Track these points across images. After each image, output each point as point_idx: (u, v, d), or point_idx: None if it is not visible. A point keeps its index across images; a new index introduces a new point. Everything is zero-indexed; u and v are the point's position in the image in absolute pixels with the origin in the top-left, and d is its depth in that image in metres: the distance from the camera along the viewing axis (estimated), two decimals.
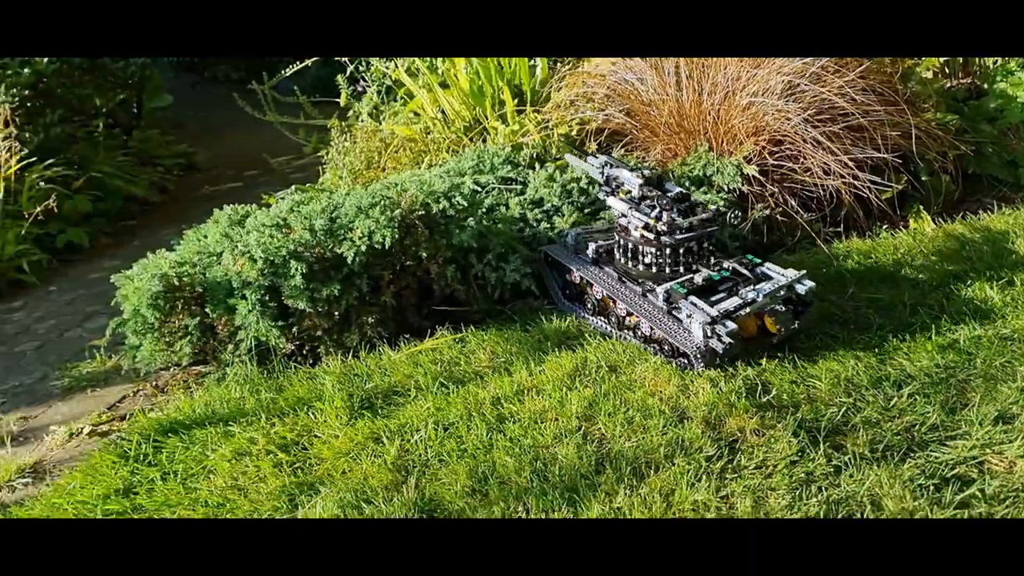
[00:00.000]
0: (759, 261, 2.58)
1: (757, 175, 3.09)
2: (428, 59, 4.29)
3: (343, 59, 5.09)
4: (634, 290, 2.55)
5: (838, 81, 3.12)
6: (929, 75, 3.83)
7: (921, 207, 3.30)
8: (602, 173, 2.76)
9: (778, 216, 3.14)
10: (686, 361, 2.41)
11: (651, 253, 2.53)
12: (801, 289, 2.45)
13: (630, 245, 2.58)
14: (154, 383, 2.99)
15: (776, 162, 3.14)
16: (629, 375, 2.40)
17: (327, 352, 2.79)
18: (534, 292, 2.86)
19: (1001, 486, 1.88)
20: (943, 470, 1.94)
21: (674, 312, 2.42)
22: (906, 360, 2.37)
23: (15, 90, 4.54)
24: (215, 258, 2.89)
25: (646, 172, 2.68)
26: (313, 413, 2.42)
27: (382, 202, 2.70)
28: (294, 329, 2.75)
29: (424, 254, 2.71)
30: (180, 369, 3.03)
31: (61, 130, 4.78)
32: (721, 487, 1.93)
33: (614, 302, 2.61)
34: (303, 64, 5.16)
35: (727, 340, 2.29)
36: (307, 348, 2.83)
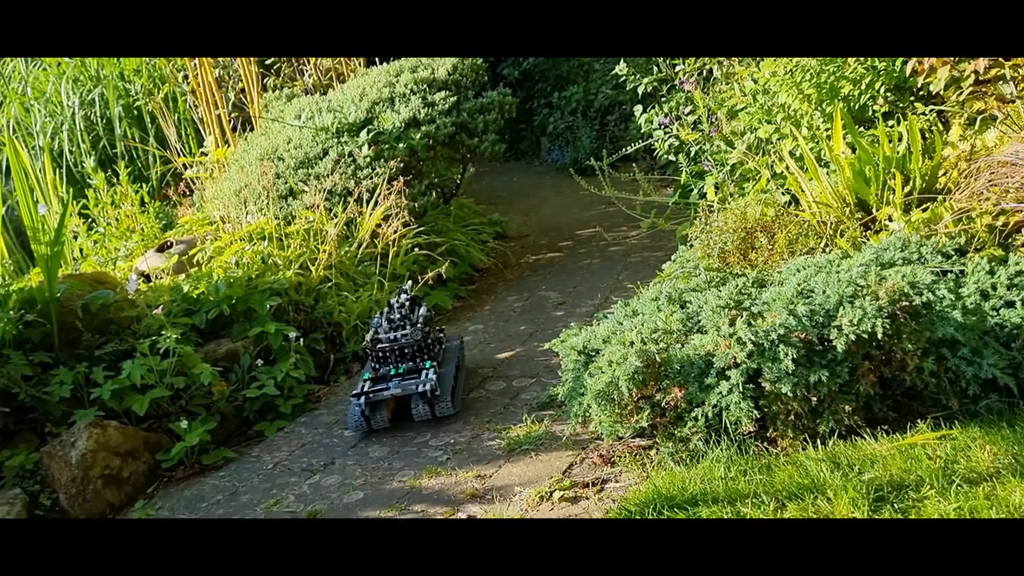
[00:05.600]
0: None
1: None
2: (808, 142, 4.32)
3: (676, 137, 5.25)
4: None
5: None
6: None
7: None
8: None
9: None
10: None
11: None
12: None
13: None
14: (598, 452, 3.08)
15: None
16: None
17: (790, 437, 2.79)
18: (1011, 389, 2.75)
19: None
20: None
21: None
22: None
23: (393, 162, 4.94)
24: (669, 336, 2.97)
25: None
26: (821, 501, 2.41)
27: (864, 291, 2.70)
28: (764, 411, 2.77)
29: (910, 346, 2.67)
30: (618, 441, 3.11)
31: (425, 200, 5.13)
32: None
33: None
34: (642, 146, 5.33)
35: None
36: (768, 431, 2.85)
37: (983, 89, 3.81)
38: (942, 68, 3.69)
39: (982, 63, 3.55)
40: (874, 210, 3.91)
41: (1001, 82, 3.67)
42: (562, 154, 8.82)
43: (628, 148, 5.35)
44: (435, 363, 3.69)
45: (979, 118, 4.00)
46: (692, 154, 5.20)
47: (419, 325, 3.72)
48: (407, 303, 3.85)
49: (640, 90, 5.85)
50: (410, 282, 4.06)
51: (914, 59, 3.82)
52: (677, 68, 5.59)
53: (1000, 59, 3.68)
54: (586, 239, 6.15)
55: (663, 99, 5.89)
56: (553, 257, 5.90)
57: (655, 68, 5.80)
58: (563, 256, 5.87)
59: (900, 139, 3.98)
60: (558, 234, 6.42)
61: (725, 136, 5.07)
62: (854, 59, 4.45)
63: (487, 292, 5.28)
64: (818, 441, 2.75)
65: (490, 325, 4.66)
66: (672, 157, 5.40)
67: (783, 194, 4.53)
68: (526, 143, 9.87)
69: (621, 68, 5.75)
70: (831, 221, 3.99)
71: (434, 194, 5.73)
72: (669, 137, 5.36)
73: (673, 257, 4.48)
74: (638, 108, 5.66)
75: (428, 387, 3.50)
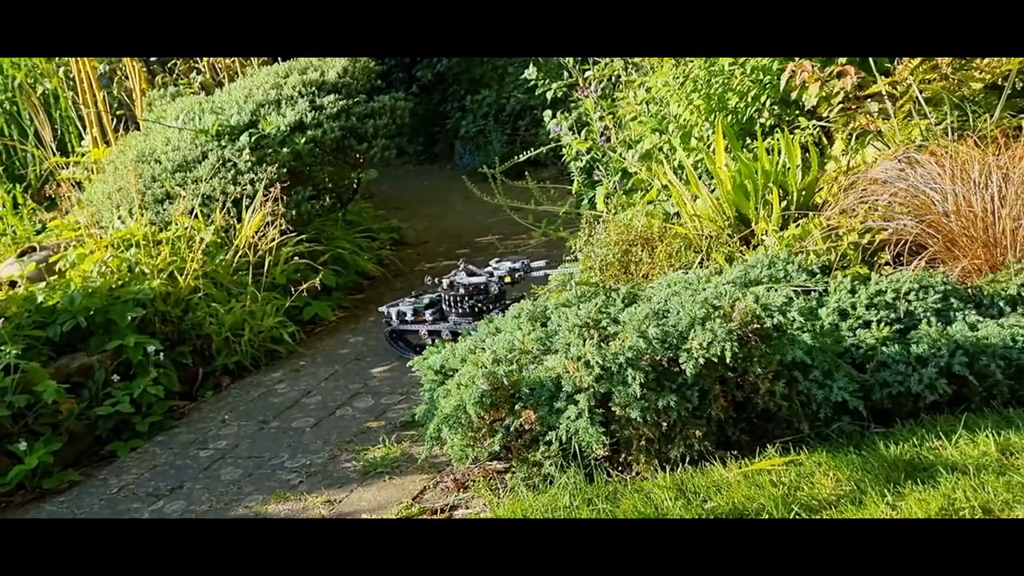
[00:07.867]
0: None
1: None
2: (688, 155, 4.28)
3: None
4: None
5: None
6: None
7: None
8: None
9: None
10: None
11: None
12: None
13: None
14: (452, 476, 2.97)
15: None
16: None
17: (643, 462, 2.72)
18: (860, 412, 2.72)
19: None
20: None
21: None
22: None
23: (273, 168, 4.76)
24: (526, 355, 2.88)
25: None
26: None
27: (716, 313, 2.65)
28: (617, 436, 2.70)
29: (759, 369, 2.62)
30: (475, 464, 3.01)
31: (310, 206, 4.97)
32: None
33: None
34: (537, 152, 5.25)
35: None
36: (622, 456, 2.77)
37: (854, 106, 3.81)
38: (813, 85, 3.68)
39: (849, 82, 3.54)
40: (753, 224, 3.89)
41: (869, 100, 3.67)
42: (473, 158, 8.70)
43: (521, 156, 5.24)
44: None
45: (855, 134, 4.01)
46: (584, 163, 5.13)
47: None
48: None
49: (549, 95, 5.76)
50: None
51: (788, 73, 3.80)
52: (587, 73, 5.51)
53: (871, 78, 3.68)
54: (485, 246, 6.04)
55: (572, 105, 5.82)
56: (449, 265, 5.74)
57: (566, 73, 5.72)
58: (456, 265, 5.74)
59: (780, 153, 3.96)
60: (458, 241, 6.30)
61: (615, 146, 5.01)
62: (740, 72, 4.43)
63: (374, 301, 5.12)
64: (669, 467, 2.68)
65: (371, 337, 4.52)
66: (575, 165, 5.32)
67: (671, 206, 4.49)
68: (440, 146, 9.73)
69: (531, 72, 5.66)
70: (710, 235, 3.96)
71: (328, 198, 5.55)
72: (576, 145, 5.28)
73: (559, 269, 4.40)
74: (547, 113, 5.57)
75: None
